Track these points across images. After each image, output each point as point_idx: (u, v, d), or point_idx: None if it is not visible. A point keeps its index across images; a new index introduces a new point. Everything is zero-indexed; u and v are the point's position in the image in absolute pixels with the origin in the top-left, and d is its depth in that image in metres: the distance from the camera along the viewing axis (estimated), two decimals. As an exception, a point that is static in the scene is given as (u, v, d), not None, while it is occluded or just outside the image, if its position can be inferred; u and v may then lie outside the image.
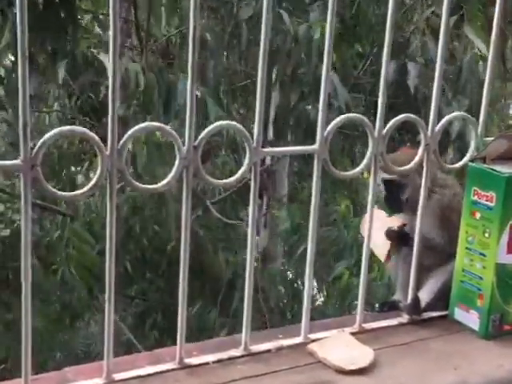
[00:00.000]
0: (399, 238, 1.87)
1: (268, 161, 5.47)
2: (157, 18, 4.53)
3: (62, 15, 3.68)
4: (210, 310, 4.94)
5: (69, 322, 4.96)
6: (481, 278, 1.74)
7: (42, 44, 3.81)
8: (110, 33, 1.28)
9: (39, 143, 1.26)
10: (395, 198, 1.87)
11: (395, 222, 1.88)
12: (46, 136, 1.26)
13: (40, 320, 4.57)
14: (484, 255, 1.72)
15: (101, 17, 5.15)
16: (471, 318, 1.76)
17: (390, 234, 1.86)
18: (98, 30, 5.24)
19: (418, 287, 1.83)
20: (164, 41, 5.05)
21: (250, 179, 1.52)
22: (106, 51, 3.87)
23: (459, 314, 1.79)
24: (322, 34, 3.88)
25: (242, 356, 1.59)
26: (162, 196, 4.49)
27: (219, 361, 1.56)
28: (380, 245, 1.86)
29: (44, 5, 3.57)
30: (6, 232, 4.60)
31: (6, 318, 4.46)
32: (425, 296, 1.84)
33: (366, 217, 1.77)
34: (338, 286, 5.13)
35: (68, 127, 1.32)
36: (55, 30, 3.71)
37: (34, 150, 1.26)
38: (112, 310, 1.42)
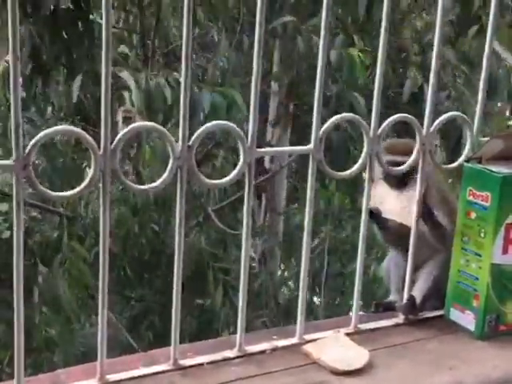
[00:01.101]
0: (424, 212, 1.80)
1: (267, 164, 5.47)
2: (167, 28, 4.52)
3: (79, 29, 3.68)
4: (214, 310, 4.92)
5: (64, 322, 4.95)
6: (476, 279, 1.73)
7: (57, 59, 3.80)
8: (103, 27, 1.27)
9: (31, 143, 1.25)
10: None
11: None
12: (39, 136, 1.26)
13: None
14: (479, 255, 1.72)
15: (115, 30, 5.09)
16: (467, 319, 1.76)
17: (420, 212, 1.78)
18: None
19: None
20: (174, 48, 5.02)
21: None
22: (125, 68, 3.87)
23: (455, 314, 1.79)
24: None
25: (237, 357, 1.58)
26: (161, 197, 4.48)
27: (214, 362, 1.56)
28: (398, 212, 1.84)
29: (60, 18, 3.55)
30: (7, 234, 4.57)
31: (9, 317, 4.44)
32: (417, 293, 1.84)
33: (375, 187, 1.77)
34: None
35: (61, 127, 1.32)
36: (71, 45, 3.71)
37: (27, 150, 1.25)
38: (105, 310, 1.41)
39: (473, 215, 1.72)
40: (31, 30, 3.53)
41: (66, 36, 3.71)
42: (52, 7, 3.50)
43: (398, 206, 1.84)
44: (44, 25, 3.57)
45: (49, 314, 4.64)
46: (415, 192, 1.76)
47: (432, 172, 1.84)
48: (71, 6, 3.51)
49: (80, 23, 3.72)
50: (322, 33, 1.51)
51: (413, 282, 1.83)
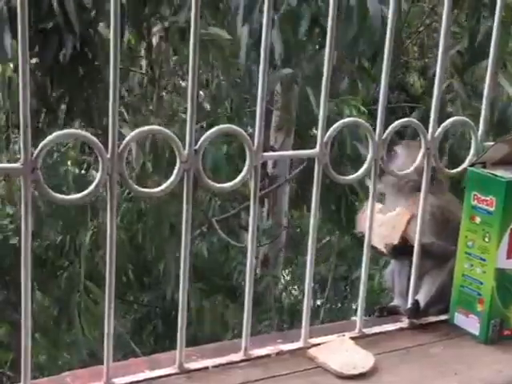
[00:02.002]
0: (401, 252, 1.85)
1: (270, 168, 5.47)
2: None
3: (81, 72, 3.68)
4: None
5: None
6: (481, 283, 1.73)
7: (60, 99, 3.82)
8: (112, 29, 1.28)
9: (39, 146, 1.25)
10: None
11: (392, 217, 1.85)
12: (47, 139, 1.26)
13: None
14: (484, 260, 1.72)
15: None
16: (471, 323, 1.76)
17: (391, 251, 1.84)
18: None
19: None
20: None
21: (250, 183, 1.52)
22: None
23: (459, 318, 1.79)
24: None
25: (242, 361, 1.59)
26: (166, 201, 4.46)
27: (219, 365, 1.56)
28: (379, 239, 1.83)
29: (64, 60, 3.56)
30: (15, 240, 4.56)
31: (14, 319, 4.43)
32: (422, 298, 1.84)
33: (364, 212, 1.76)
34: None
35: (68, 130, 1.32)
36: (75, 87, 3.72)
37: (35, 153, 1.25)
38: (112, 313, 1.42)
39: (477, 220, 1.72)
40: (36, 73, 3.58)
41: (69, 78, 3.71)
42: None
43: (381, 232, 1.83)
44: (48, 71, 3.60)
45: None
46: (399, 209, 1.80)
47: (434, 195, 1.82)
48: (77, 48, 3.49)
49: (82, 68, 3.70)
50: (328, 36, 1.52)
51: (418, 287, 1.83)
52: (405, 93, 4.61)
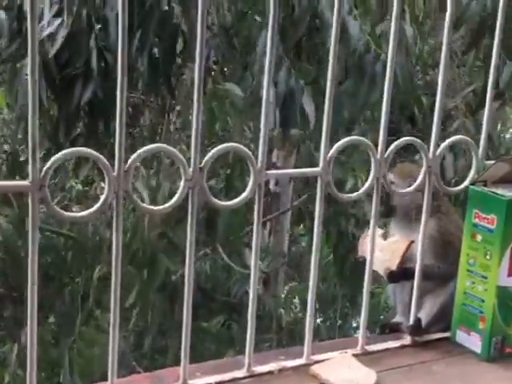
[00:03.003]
0: (402, 276, 1.87)
1: (272, 185, 5.48)
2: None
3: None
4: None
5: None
6: (482, 301, 1.74)
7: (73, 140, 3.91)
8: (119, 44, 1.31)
9: (48, 164, 1.28)
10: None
11: (392, 242, 1.87)
12: (55, 157, 1.28)
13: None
14: (485, 277, 1.73)
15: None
16: (473, 341, 1.77)
17: (390, 276, 1.86)
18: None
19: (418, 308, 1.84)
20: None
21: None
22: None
23: (461, 336, 1.80)
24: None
25: (245, 377, 1.59)
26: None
27: (222, 382, 1.57)
28: (379, 263, 1.85)
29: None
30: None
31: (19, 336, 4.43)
32: (423, 317, 1.85)
33: (366, 237, 1.79)
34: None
35: (76, 149, 1.34)
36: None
37: (43, 171, 1.28)
38: (116, 330, 1.43)
39: (478, 238, 1.74)
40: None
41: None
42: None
43: (381, 257, 1.84)
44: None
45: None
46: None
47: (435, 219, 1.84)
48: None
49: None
50: (332, 45, 1.55)
51: (420, 305, 1.84)
52: (407, 111, 4.63)
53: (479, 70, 4.18)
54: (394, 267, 1.83)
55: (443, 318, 1.85)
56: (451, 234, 1.86)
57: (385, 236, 1.88)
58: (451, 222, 1.89)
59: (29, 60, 1.23)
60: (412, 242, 1.82)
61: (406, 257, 1.83)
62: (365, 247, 1.79)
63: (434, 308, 1.87)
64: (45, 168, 1.27)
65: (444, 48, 1.71)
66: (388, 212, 1.89)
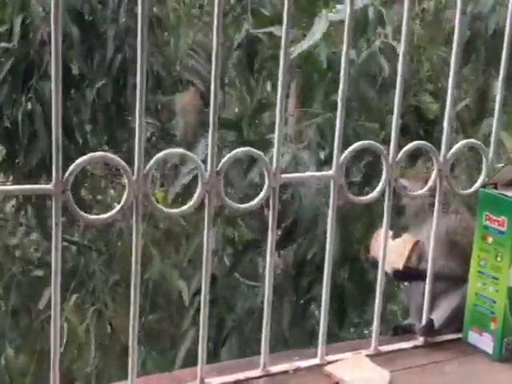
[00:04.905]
0: (408, 276, 1.90)
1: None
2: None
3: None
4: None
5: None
6: (494, 302, 1.77)
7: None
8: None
9: (70, 168, 1.31)
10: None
11: (399, 242, 1.90)
12: (77, 161, 1.32)
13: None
14: (496, 279, 1.76)
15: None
16: (485, 341, 1.79)
17: (395, 275, 1.89)
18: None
19: (430, 310, 1.87)
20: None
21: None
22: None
23: (473, 337, 1.82)
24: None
25: (261, 377, 1.62)
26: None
27: (238, 381, 1.60)
28: (387, 263, 1.87)
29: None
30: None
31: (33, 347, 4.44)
32: (436, 319, 1.87)
33: (377, 237, 1.82)
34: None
35: (99, 153, 1.38)
36: None
37: (66, 175, 1.31)
38: (136, 330, 1.46)
39: (489, 240, 1.77)
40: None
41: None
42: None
43: (389, 257, 1.84)
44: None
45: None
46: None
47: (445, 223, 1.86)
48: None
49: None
50: (343, 59, 1.58)
51: (433, 307, 1.86)
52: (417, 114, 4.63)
53: (472, 84, 4.18)
54: (400, 267, 1.86)
55: (456, 321, 1.87)
56: (458, 234, 1.89)
57: (395, 236, 1.91)
58: (460, 222, 1.91)
59: (52, 65, 1.27)
60: (417, 241, 1.85)
61: (412, 256, 1.86)
62: (376, 247, 1.82)
63: (447, 311, 1.89)
64: (67, 172, 1.31)
65: (455, 45, 1.74)
66: (397, 213, 1.92)
